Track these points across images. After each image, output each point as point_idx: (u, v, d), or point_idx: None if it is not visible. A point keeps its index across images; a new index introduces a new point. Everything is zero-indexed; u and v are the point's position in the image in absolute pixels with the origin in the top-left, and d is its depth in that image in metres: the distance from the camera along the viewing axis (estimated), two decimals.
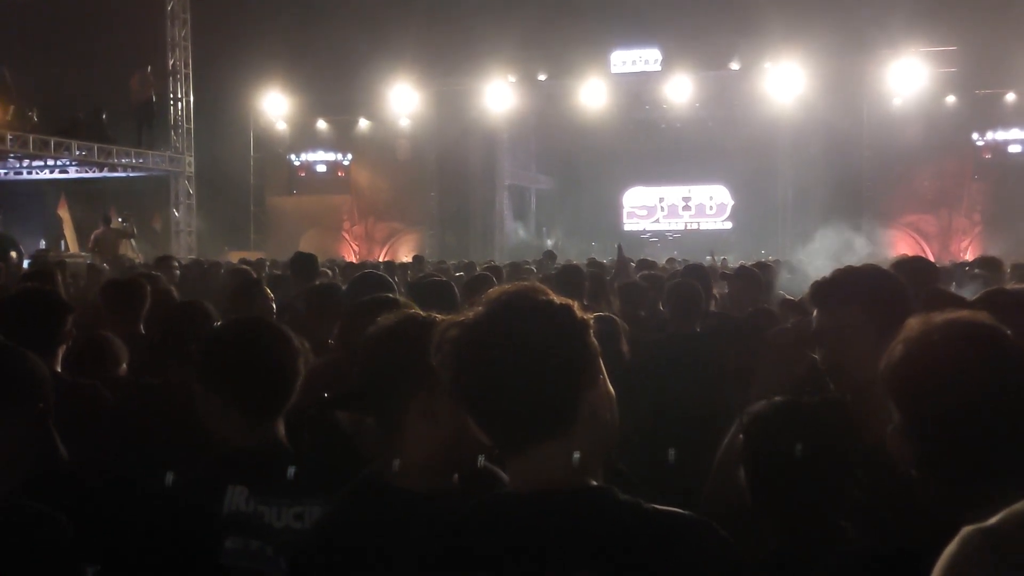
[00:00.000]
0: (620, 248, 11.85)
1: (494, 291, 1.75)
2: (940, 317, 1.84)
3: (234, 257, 19.52)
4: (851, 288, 2.69)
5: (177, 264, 10.65)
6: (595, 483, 1.69)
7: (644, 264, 11.47)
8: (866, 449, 2.24)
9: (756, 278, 7.07)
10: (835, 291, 2.69)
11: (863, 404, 2.45)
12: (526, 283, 1.79)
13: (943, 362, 1.74)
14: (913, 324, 1.85)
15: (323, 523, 2.18)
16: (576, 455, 1.65)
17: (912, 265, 4.86)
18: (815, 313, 2.74)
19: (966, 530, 1.06)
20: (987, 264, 8.09)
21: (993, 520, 1.03)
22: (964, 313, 1.87)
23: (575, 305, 1.72)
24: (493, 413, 1.67)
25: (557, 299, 1.71)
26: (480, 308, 1.70)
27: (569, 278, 6.73)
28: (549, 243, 29.94)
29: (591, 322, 1.72)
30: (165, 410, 3.47)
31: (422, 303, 4.81)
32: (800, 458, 2.22)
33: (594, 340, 1.71)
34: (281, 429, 2.58)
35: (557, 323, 1.66)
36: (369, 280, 4.85)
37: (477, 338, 1.66)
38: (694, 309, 5.58)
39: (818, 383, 2.72)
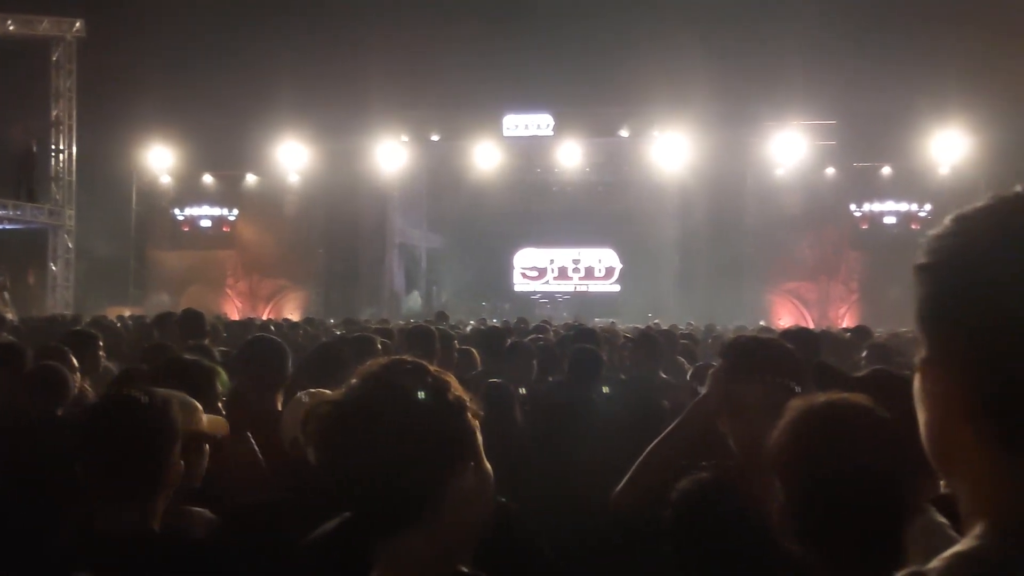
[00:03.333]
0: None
1: (370, 365, 1.68)
2: (821, 400, 1.95)
3: (112, 312, 18.97)
4: (774, 362, 2.71)
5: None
6: (464, 569, 1.66)
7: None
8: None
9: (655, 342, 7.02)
10: (760, 364, 2.70)
11: (759, 473, 2.43)
12: (404, 358, 1.72)
13: (819, 445, 1.84)
14: (796, 406, 1.96)
15: None
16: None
17: (800, 337, 5.16)
18: (728, 383, 2.76)
19: (904, 573, 1.02)
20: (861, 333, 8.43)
21: (931, 565, 0.99)
22: (845, 396, 1.95)
23: (452, 383, 1.66)
24: (356, 497, 1.60)
25: (434, 376, 1.65)
26: (353, 384, 1.64)
27: (419, 339, 6.52)
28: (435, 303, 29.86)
29: (468, 401, 1.66)
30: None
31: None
32: (729, 535, 2.27)
33: (471, 420, 1.65)
34: (153, 513, 2.40)
35: (429, 404, 1.60)
36: (262, 345, 4.58)
37: (343, 418, 1.59)
38: (595, 373, 5.61)
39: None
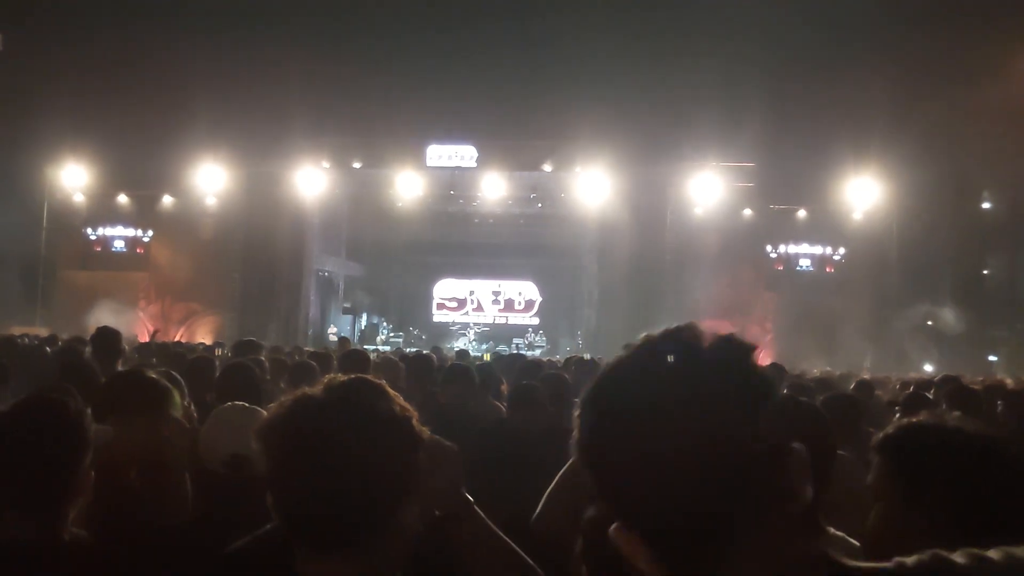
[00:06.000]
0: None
1: (334, 380, 1.67)
2: None
3: (18, 332, 18.40)
4: None
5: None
6: None
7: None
8: None
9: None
10: None
11: None
12: (369, 379, 1.71)
13: None
14: None
15: None
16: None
17: None
18: None
19: None
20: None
21: None
22: None
23: (415, 417, 1.67)
24: (302, 516, 1.58)
25: (399, 408, 1.66)
26: (316, 398, 1.61)
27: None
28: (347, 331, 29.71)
29: (424, 438, 1.67)
30: None
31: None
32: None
33: (421, 457, 1.66)
34: (62, 522, 2.35)
35: (392, 436, 1.60)
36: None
37: (303, 433, 1.57)
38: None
39: None
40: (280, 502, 1.59)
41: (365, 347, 21.29)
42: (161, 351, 10.74)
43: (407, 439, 1.62)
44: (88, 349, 8.64)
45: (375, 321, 32.67)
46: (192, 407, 4.01)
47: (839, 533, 2.31)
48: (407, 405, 1.68)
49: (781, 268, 28.90)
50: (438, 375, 7.12)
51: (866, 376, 12.33)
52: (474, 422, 5.49)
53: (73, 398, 2.67)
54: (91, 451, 2.42)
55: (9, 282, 26.84)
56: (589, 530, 2.46)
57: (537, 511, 3.00)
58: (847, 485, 2.71)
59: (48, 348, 10.92)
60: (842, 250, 28.60)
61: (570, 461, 3.01)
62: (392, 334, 30.70)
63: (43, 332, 19.38)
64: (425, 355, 7.88)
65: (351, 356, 7.17)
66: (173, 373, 5.11)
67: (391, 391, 1.68)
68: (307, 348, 15.26)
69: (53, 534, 2.33)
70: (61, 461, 2.37)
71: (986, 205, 26.64)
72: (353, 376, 1.71)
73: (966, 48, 22.51)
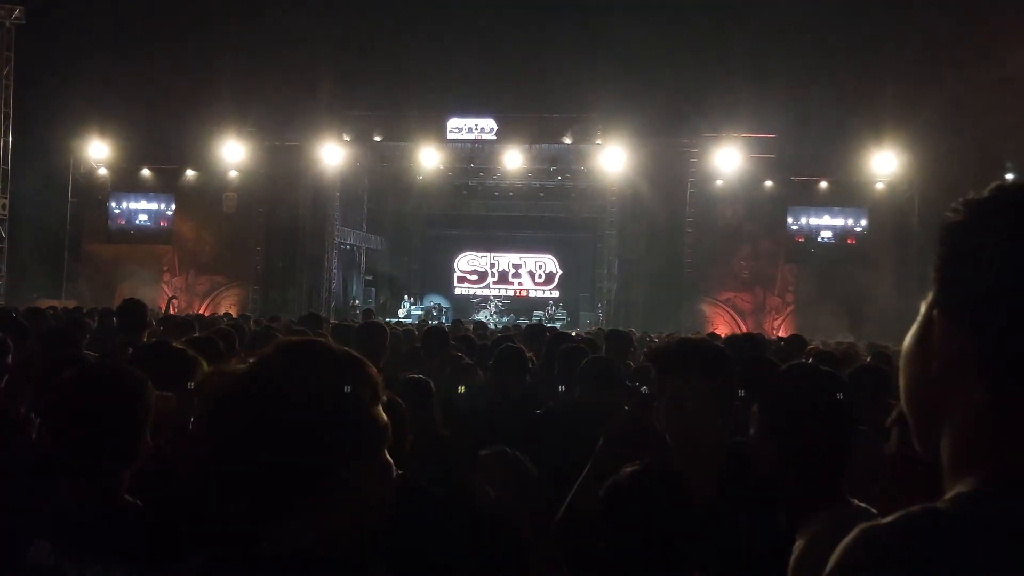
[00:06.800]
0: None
1: (279, 343, 1.62)
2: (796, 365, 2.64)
3: (44, 305, 18.61)
4: (707, 358, 2.85)
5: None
6: (348, 554, 1.57)
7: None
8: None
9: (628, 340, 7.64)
10: (699, 360, 2.82)
11: (692, 466, 2.65)
12: (314, 339, 1.67)
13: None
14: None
15: None
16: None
17: (748, 339, 5.38)
18: (666, 379, 2.85)
19: (864, 526, 1.05)
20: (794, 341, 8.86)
21: (891, 519, 1.03)
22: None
23: (366, 374, 1.60)
24: (234, 476, 1.53)
25: (348, 363, 1.59)
26: (259, 358, 1.58)
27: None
28: (372, 303, 29.84)
29: (375, 395, 1.60)
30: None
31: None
32: (662, 524, 2.35)
33: (374, 415, 1.59)
34: (121, 486, 2.41)
35: (325, 392, 1.54)
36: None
37: (234, 392, 1.53)
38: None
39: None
40: (215, 465, 1.57)
41: (388, 320, 21.47)
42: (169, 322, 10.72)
43: (338, 395, 1.54)
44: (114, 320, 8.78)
45: (396, 292, 32.80)
46: None
47: (862, 504, 2.35)
48: (365, 374, 1.60)
49: (802, 240, 28.74)
50: (471, 348, 7.16)
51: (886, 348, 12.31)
52: (525, 404, 4.90)
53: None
54: (151, 418, 2.48)
55: (35, 255, 27.11)
56: (613, 492, 2.50)
57: (561, 512, 2.90)
58: (866, 456, 2.76)
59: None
60: (864, 222, 28.41)
61: (591, 461, 2.98)
62: (413, 307, 30.86)
63: (70, 304, 19.61)
64: (439, 328, 7.90)
65: (366, 328, 7.18)
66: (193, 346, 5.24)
67: (345, 354, 1.62)
68: (332, 320, 15.32)
69: (114, 499, 2.38)
70: (126, 427, 2.42)
71: (1010, 176, 26.39)
72: (305, 338, 1.69)
73: (989, 17, 22.31)
